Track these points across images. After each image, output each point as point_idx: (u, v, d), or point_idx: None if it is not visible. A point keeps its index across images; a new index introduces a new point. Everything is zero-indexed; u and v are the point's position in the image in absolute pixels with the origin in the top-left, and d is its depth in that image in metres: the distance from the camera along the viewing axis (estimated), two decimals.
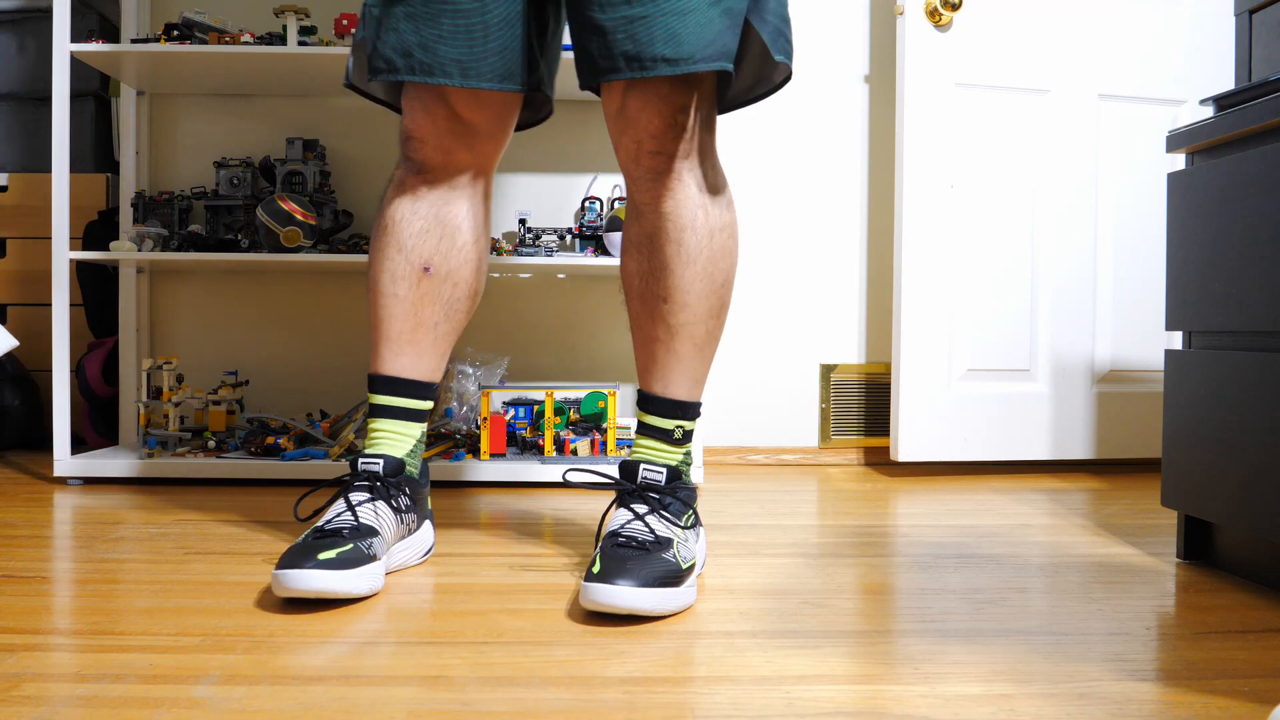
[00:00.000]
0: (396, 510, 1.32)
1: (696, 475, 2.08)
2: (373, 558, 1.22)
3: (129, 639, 1.07)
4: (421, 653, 1.04)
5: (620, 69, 1.20)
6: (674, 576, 1.18)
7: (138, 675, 0.97)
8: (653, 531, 1.23)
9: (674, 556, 1.20)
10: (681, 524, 1.28)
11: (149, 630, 1.10)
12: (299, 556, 1.18)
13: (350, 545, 1.21)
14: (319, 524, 1.27)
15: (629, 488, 1.29)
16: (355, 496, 1.29)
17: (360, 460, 1.33)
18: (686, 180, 1.27)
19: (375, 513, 1.28)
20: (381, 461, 1.32)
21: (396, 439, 1.37)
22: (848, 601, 1.26)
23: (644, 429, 1.33)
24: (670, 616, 1.18)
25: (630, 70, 1.20)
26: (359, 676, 0.97)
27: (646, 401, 1.34)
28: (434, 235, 1.36)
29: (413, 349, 1.38)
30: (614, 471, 1.35)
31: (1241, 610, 1.24)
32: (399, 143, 1.38)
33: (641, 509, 1.26)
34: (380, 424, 1.38)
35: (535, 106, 1.46)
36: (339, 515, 1.27)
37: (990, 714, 0.90)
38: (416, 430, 1.40)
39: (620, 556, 1.17)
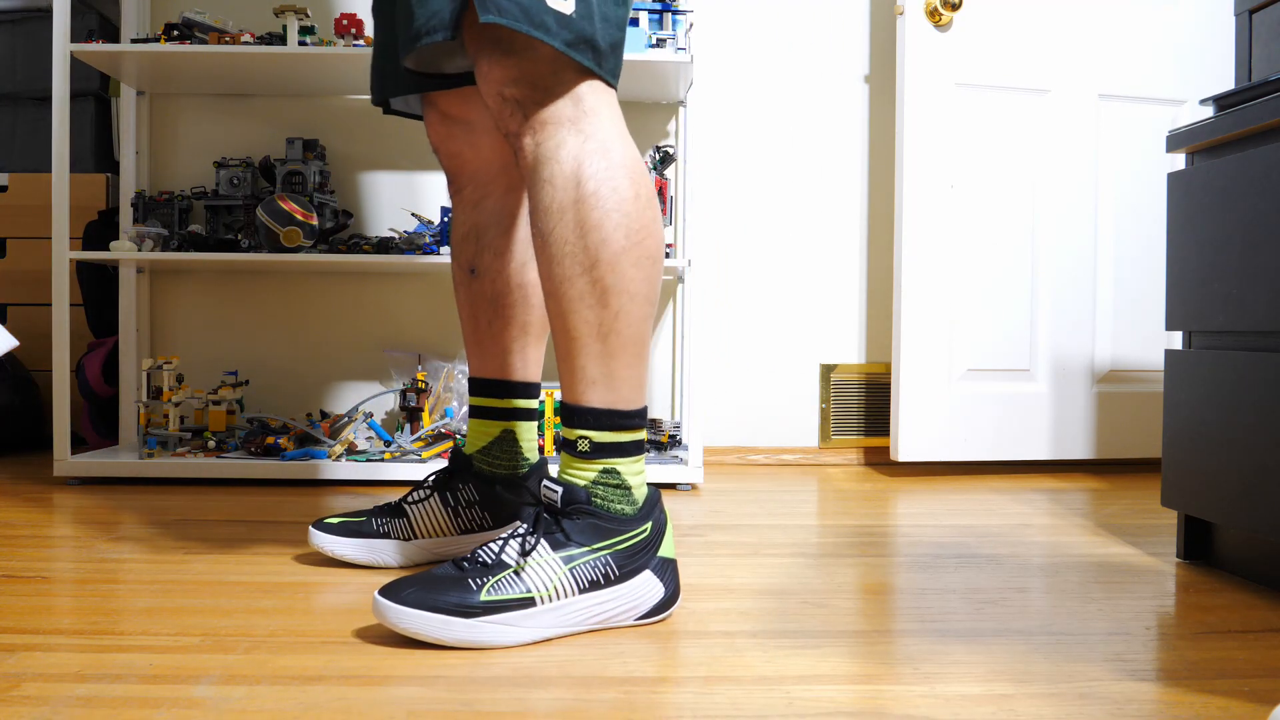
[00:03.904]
0: (450, 503, 1.40)
1: (693, 475, 2.07)
2: (382, 534, 1.39)
3: (129, 639, 1.07)
4: (421, 653, 1.04)
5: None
6: (463, 607, 1.05)
7: (138, 675, 0.97)
8: (497, 554, 1.10)
9: (479, 584, 1.07)
10: (558, 554, 1.10)
11: (149, 630, 1.10)
12: (324, 518, 1.41)
13: (364, 519, 1.40)
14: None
15: (531, 502, 1.20)
16: (426, 485, 1.42)
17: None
18: (536, 156, 1.14)
19: (419, 502, 1.40)
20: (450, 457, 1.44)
21: (472, 435, 1.44)
22: (848, 601, 1.26)
23: (557, 440, 1.23)
24: (463, 648, 1.06)
25: (398, 55, 1.23)
26: (359, 676, 0.97)
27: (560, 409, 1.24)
28: (471, 239, 1.42)
29: (478, 349, 1.45)
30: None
31: (1241, 610, 1.24)
32: None
33: (522, 528, 1.13)
34: (469, 422, 1.46)
35: None
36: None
37: (990, 714, 0.90)
38: (494, 428, 1.42)
39: (437, 573, 1.09)
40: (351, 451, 2.14)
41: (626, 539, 1.14)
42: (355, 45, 2.10)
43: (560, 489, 1.13)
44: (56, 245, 2.05)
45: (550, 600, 1.09)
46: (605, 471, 1.15)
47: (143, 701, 0.90)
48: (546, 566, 1.09)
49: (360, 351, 2.47)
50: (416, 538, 1.40)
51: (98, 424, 2.46)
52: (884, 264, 2.54)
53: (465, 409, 2.22)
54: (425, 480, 1.43)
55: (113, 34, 2.62)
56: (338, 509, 1.81)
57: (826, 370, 2.55)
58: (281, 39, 2.11)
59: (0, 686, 0.93)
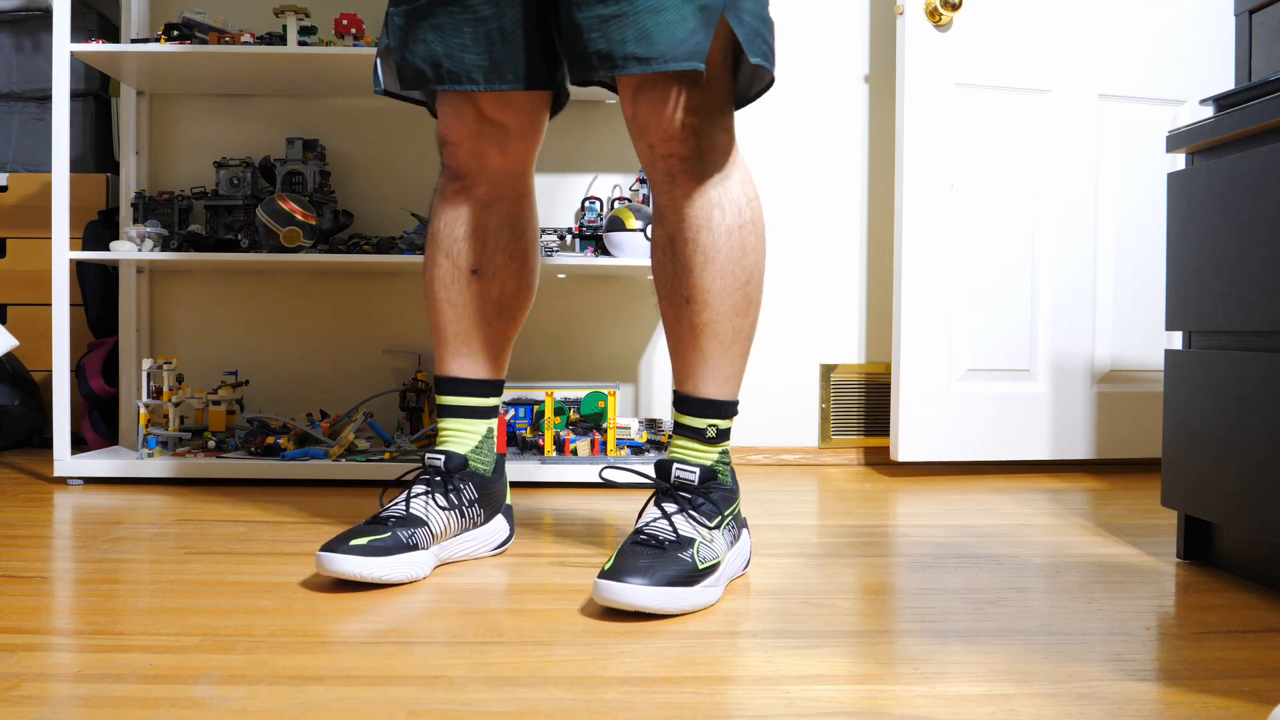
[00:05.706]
0: (454, 505, 1.39)
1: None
2: (412, 546, 1.31)
3: (129, 639, 1.08)
4: (421, 653, 1.04)
5: (595, 68, 1.23)
6: (687, 576, 1.18)
7: (138, 675, 0.97)
8: (675, 530, 1.23)
9: (691, 557, 1.20)
10: (710, 525, 1.27)
11: (149, 630, 1.10)
12: (339, 541, 1.28)
13: (389, 534, 1.30)
14: (376, 513, 1.37)
15: (663, 486, 1.30)
16: (415, 489, 1.38)
17: (427, 456, 1.42)
18: (701, 180, 1.27)
19: (427, 505, 1.36)
20: (443, 458, 1.41)
21: (460, 436, 1.44)
22: (848, 601, 1.26)
23: (678, 429, 1.34)
24: (682, 615, 1.18)
25: (603, 68, 1.22)
26: (359, 676, 0.97)
27: (679, 401, 1.35)
28: (477, 238, 1.43)
29: (468, 349, 1.46)
30: (650, 470, 1.37)
31: (1241, 610, 1.24)
32: (438, 149, 1.43)
33: (670, 508, 1.27)
34: (446, 423, 1.45)
35: (557, 101, 1.47)
36: (394, 505, 1.36)
37: (990, 714, 0.90)
38: (481, 426, 1.46)
39: (634, 554, 1.19)
40: (351, 451, 2.14)
41: (737, 505, 1.35)
42: (355, 45, 2.10)
43: (698, 469, 1.30)
44: (56, 245, 2.05)
45: (723, 561, 1.27)
46: (723, 452, 1.35)
47: (143, 701, 0.90)
48: (716, 533, 1.27)
49: (360, 351, 2.47)
50: (440, 542, 1.37)
51: (98, 424, 2.46)
52: (884, 264, 2.54)
53: None
54: (408, 481, 1.40)
55: (113, 34, 2.62)
56: (338, 509, 1.81)
57: (826, 370, 2.55)
58: (281, 39, 2.11)
59: (0, 686, 0.93)
